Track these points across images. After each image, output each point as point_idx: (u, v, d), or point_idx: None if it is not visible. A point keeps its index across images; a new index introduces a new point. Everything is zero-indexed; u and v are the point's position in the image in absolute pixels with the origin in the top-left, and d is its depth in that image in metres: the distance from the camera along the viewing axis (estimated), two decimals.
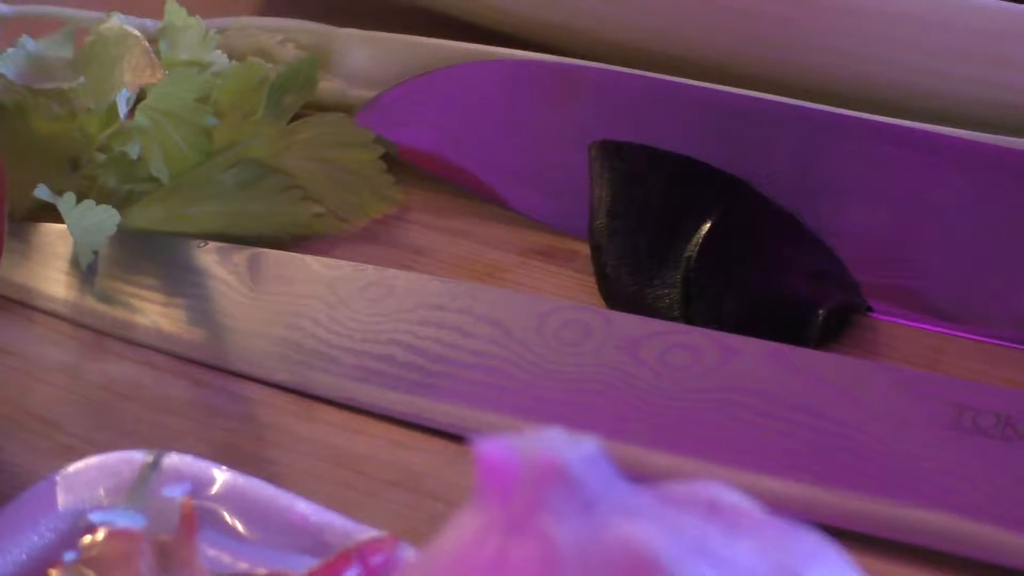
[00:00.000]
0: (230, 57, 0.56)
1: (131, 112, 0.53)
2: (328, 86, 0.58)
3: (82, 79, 0.54)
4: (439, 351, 0.48)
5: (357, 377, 0.48)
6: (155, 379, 0.49)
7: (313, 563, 0.39)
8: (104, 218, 0.51)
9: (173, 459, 0.41)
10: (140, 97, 0.53)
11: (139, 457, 0.41)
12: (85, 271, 0.52)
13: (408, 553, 0.39)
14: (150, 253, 0.52)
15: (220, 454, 0.44)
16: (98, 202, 0.51)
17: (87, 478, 0.41)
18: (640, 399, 0.46)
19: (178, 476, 0.41)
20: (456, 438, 0.46)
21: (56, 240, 0.53)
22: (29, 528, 0.40)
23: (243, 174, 0.54)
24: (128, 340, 0.50)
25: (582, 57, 0.56)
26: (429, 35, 0.58)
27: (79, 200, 0.51)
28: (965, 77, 0.54)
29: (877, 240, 0.51)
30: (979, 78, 0.54)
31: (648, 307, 0.49)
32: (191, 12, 0.56)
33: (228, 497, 0.41)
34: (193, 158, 0.54)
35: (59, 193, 0.52)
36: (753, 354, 0.46)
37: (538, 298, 0.49)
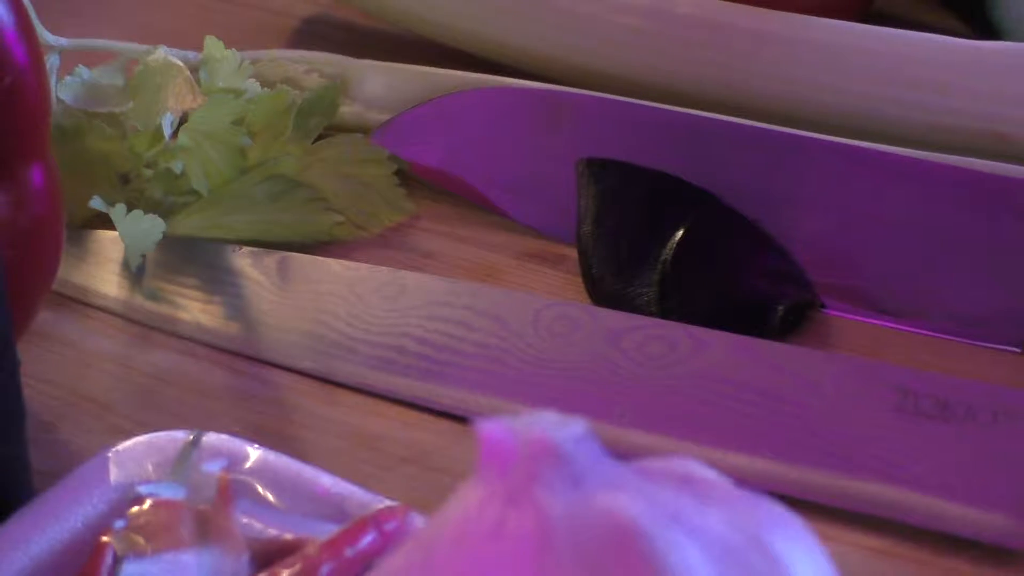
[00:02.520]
0: (262, 85, 0.56)
1: (175, 133, 0.53)
2: (348, 110, 0.57)
3: (131, 104, 0.54)
4: (445, 343, 0.48)
5: (373, 365, 0.48)
6: (196, 367, 0.49)
7: (334, 529, 0.39)
8: (151, 226, 0.51)
9: (211, 438, 0.41)
10: (183, 120, 0.54)
11: (181, 436, 0.41)
12: (134, 272, 0.52)
13: (418, 521, 0.39)
14: (192, 257, 0.52)
15: (253, 433, 0.44)
16: (146, 212, 0.51)
17: (135, 454, 0.41)
18: (622, 385, 0.46)
19: (216, 453, 0.41)
20: (461, 419, 0.46)
21: (109, 245, 0.53)
22: (84, 499, 0.40)
23: (273, 188, 0.54)
24: (172, 333, 0.50)
25: (571, 85, 0.56)
26: (437, 66, 0.58)
27: (129, 210, 0.51)
28: (904, 102, 0.54)
29: (828, 245, 0.51)
30: (916, 103, 0.54)
31: (629, 304, 0.49)
32: (227, 45, 0.56)
33: (260, 471, 0.41)
34: (229, 174, 0.53)
35: (111, 204, 0.52)
36: (721, 345, 0.46)
37: (532, 296, 0.49)
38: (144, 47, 0.56)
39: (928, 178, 0.50)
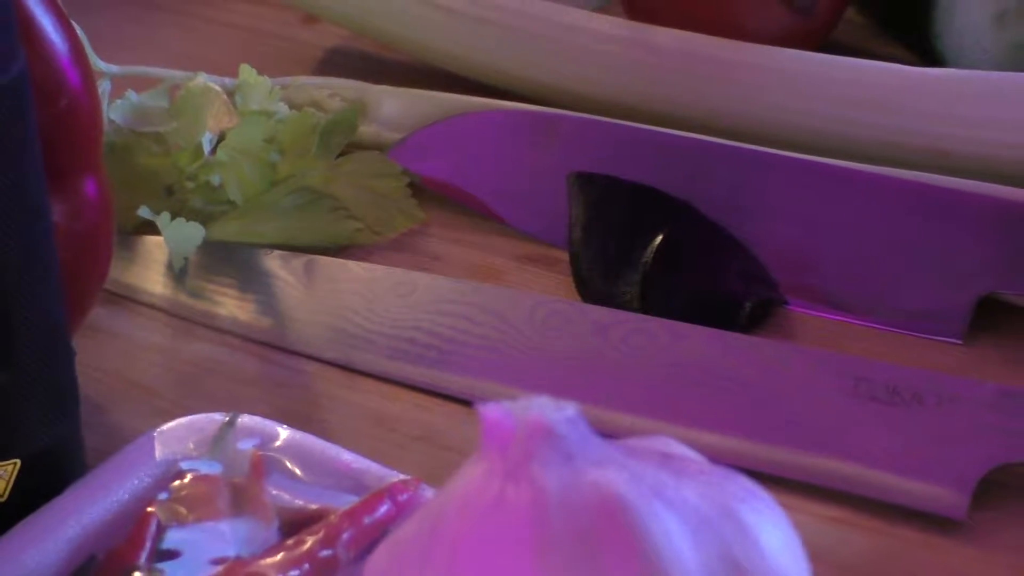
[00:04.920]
0: (290, 107, 0.56)
1: (213, 150, 0.53)
2: (366, 130, 0.57)
3: (175, 124, 0.53)
4: (452, 335, 0.47)
5: (389, 355, 0.48)
6: (232, 357, 0.49)
7: (354, 500, 0.39)
8: (193, 232, 0.51)
9: (245, 419, 0.41)
10: (220, 138, 0.53)
11: (219, 418, 0.41)
12: (178, 273, 0.51)
13: (428, 493, 0.39)
14: (228, 259, 0.52)
15: (282, 415, 0.43)
16: (188, 220, 0.51)
17: (178, 434, 0.41)
18: (608, 372, 0.45)
19: (249, 433, 0.41)
20: (466, 403, 0.46)
21: (155, 249, 0.52)
22: (132, 474, 0.39)
23: (300, 198, 0.53)
24: (211, 327, 0.50)
25: (563, 108, 0.56)
26: (445, 91, 0.58)
27: (173, 218, 0.51)
28: (859, 122, 0.54)
29: (791, 248, 0.50)
30: (869, 123, 0.53)
31: (614, 301, 0.49)
32: (260, 72, 0.55)
33: (288, 449, 0.40)
34: (261, 186, 0.53)
35: (157, 212, 0.51)
36: (695, 337, 0.46)
37: (529, 294, 0.49)
38: (186, 74, 0.56)
39: (879, 189, 0.50)
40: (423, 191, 0.55)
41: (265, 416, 0.41)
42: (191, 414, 0.41)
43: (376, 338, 0.48)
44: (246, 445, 0.40)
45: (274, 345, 0.49)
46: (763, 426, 0.43)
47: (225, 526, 0.38)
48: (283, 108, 0.55)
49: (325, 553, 0.37)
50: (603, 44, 0.57)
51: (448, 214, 0.55)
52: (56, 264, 0.39)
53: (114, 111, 0.54)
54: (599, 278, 0.50)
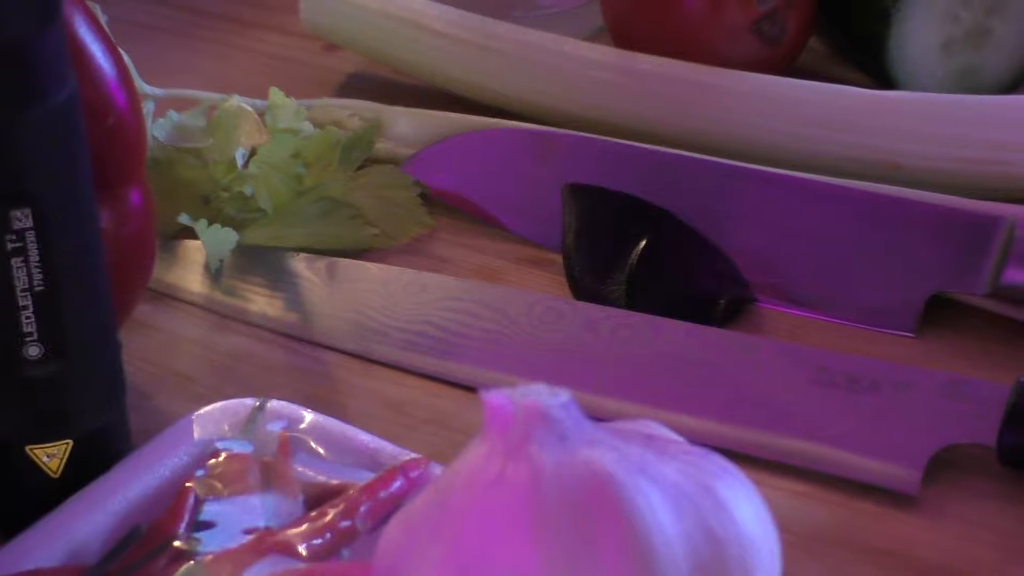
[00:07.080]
0: (315, 126, 0.56)
1: (246, 164, 0.53)
2: (382, 146, 0.57)
3: (211, 141, 0.53)
4: (458, 329, 0.47)
5: (402, 346, 0.47)
6: (262, 348, 0.48)
7: (371, 476, 0.38)
8: (227, 237, 0.51)
9: (274, 404, 0.41)
10: (252, 153, 0.53)
11: (250, 402, 0.41)
12: (214, 273, 0.51)
13: (437, 470, 0.38)
14: (259, 261, 0.52)
15: (307, 401, 0.43)
16: (223, 226, 0.51)
17: (214, 417, 0.41)
18: (598, 362, 0.45)
19: (278, 416, 0.41)
20: (471, 389, 0.46)
21: (193, 252, 0.52)
22: (172, 453, 0.39)
23: (323, 207, 0.53)
24: (244, 321, 0.50)
25: (558, 126, 0.56)
26: (453, 111, 0.57)
27: (210, 224, 0.51)
28: (820, 139, 0.54)
29: (761, 251, 0.50)
30: (830, 139, 0.53)
31: (603, 299, 0.49)
32: (287, 95, 0.55)
33: (312, 431, 0.40)
34: (289, 196, 0.53)
35: (196, 219, 0.51)
36: (675, 331, 0.46)
37: (527, 292, 0.49)
38: (221, 96, 0.56)
39: (839, 199, 0.50)
40: (432, 201, 0.55)
41: (292, 401, 0.41)
42: (226, 399, 0.41)
43: (391, 331, 0.48)
44: (275, 427, 0.40)
45: (300, 338, 0.49)
46: (736, 410, 0.43)
47: (256, 500, 0.38)
48: (308, 127, 0.55)
49: (345, 524, 0.37)
50: (593, 70, 0.57)
51: (455, 221, 0.55)
52: (105, 266, 0.38)
53: (157, 129, 0.54)
54: (590, 278, 0.50)
